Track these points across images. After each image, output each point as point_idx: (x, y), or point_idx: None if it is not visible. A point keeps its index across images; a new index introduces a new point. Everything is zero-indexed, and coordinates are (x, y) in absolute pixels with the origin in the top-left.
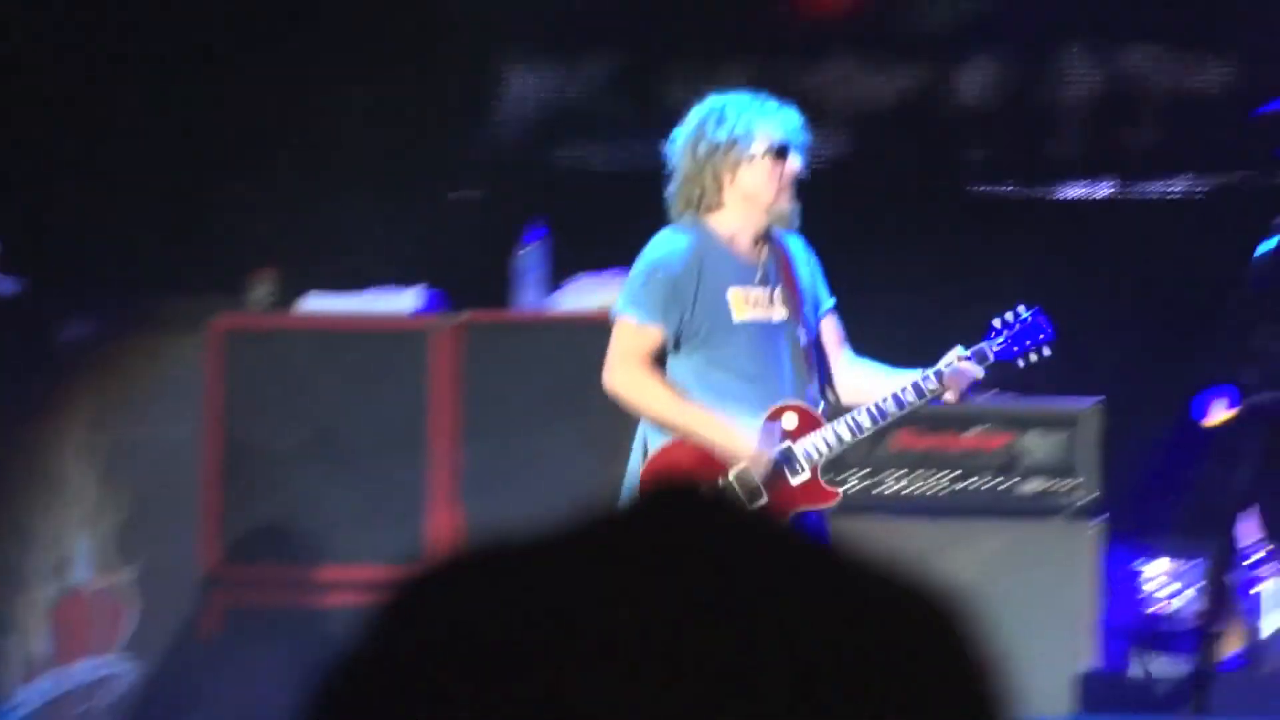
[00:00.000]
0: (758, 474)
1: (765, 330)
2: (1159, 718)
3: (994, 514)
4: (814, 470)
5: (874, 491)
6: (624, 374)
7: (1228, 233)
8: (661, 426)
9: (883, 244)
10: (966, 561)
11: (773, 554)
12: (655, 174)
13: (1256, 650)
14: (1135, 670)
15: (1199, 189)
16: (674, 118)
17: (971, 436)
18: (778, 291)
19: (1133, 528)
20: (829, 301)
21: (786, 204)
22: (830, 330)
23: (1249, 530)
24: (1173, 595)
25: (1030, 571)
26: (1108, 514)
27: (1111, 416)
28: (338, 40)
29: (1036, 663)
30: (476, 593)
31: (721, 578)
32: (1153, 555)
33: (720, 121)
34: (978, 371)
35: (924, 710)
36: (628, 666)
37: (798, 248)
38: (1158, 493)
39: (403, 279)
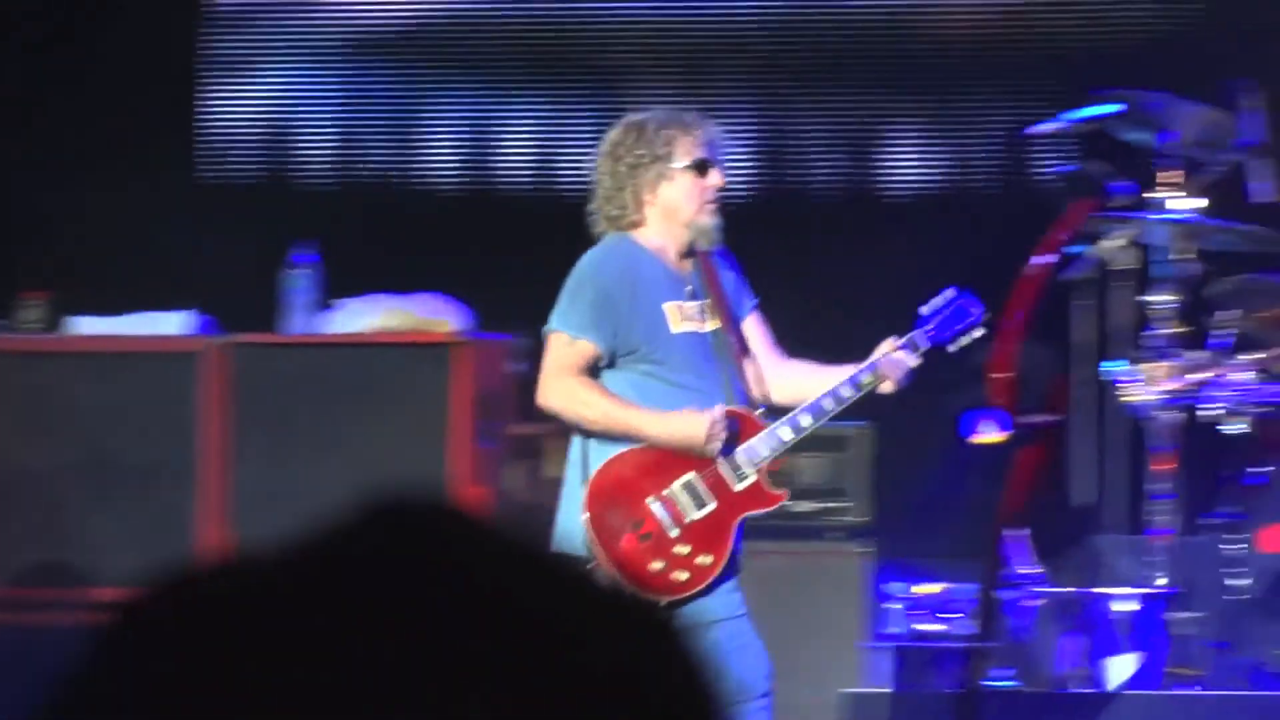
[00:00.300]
0: (703, 482)
1: (700, 341)
2: None
3: (765, 535)
4: (758, 474)
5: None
6: (559, 387)
7: (991, 250)
8: (605, 434)
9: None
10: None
11: (500, 570)
12: (428, 195)
13: (1025, 669)
14: (903, 689)
15: (968, 209)
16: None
17: None
18: (707, 303)
19: (902, 549)
20: (749, 303)
21: (708, 219)
22: (755, 333)
23: (1018, 550)
24: (941, 615)
25: (801, 592)
26: (877, 535)
27: (881, 438)
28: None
29: (805, 682)
30: (185, 619)
31: (439, 596)
32: (922, 576)
33: (639, 138)
34: (911, 361)
35: None
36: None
37: (719, 257)
38: (927, 514)
39: (172, 303)
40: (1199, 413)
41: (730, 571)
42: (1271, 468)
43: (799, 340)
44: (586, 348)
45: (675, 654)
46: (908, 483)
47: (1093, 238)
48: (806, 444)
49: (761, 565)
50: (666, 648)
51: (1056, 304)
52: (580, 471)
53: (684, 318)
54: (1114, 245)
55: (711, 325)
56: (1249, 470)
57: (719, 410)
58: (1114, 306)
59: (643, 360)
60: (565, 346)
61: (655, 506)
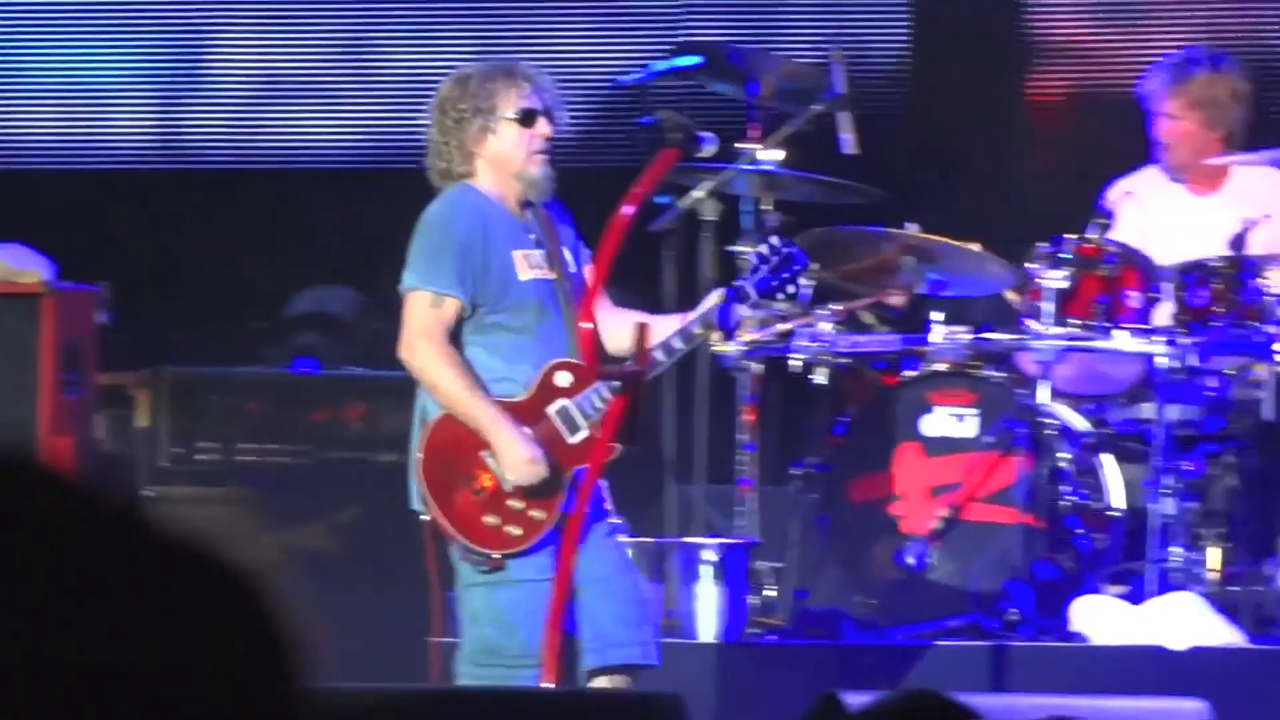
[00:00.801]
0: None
1: (546, 289)
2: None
3: (350, 483)
4: (591, 427)
5: (231, 461)
6: (424, 353)
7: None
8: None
9: None
10: (322, 532)
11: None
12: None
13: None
14: None
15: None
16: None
17: (327, 407)
18: (547, 252)
19: None
20: (585, 253)
21: (536, 170)
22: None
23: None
24: None
25: (386, 542)
26: None
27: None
28: None
29: (390, 630)
30: None
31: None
32: None
33: (464, 92)
34: (740, 310)
35: (218, 683)
36: None
37: (552, 205)
38: None
39: None
40: (787, 363)
41: (585, 531)
42: (850, 418)
43: None
44: (452, 305)
45: (232, 614)
46: None
47: (680, 189)
48: (390, 392)
49: (346, 515)
50: (223, 606)
51: (646, 255)
52: (419, 426)
53: (530, 265)
54: (700, 196)
55: (553, 273)
56: (834, 420)
57: (535, 470)
58: (701, 257)
59: (494, 310)
60: (430, 307)
61: (490, 461)
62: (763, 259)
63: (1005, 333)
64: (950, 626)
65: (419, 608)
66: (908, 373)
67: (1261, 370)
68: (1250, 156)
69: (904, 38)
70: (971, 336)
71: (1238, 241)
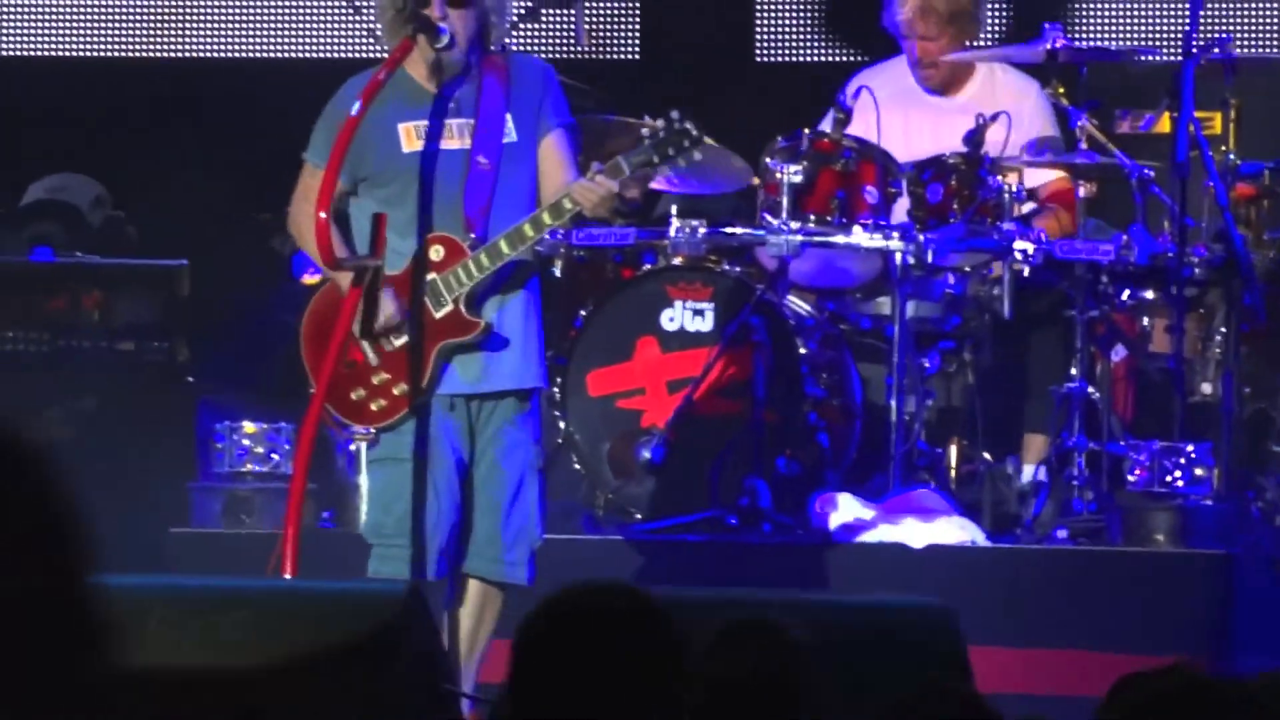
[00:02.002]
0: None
1: (437, 160)
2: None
3: (89, 371)
4: (455, 301)
5: None
6: (293, 214)
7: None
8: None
9: None
10: (62, 419)
11: None
12: None
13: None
14: (230, 529)
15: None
16: None
17: (64, 295)
18: (462, 121)
19: (225, 388)
20: (550, 123)
21: (454, 50)
22: (550, 152)
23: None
24: (264, 456)
25: (125, 430)
26: (199, 375)
27: (203, 275)
28: None
29: (130, 522)
30: None
31: None
32: (245, 416)
33: None
34: (611, 186)
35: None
36: None
37: (522, 73)
38: (249, 354)
39: None
40: None
41: (442, 415)
42: (588, 311)
43: None
44: (320, 175)
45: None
46: (231, 321)
47: None
48: (126, 280)
49: (85, 402)
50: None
51: None
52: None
53: (419, 136)
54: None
55: (461, 143)
56: (572, 314)
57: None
58: None
59: (375, 185)
60: (307, 175)
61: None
62: (651, 135)
63: (743, 227)
64: (691, 522)
65: (157, 499)
66: (646, 266)
67: (999, 268)
68: (989, 53)
69: None
70: (709, 231)
71: (974, 139)
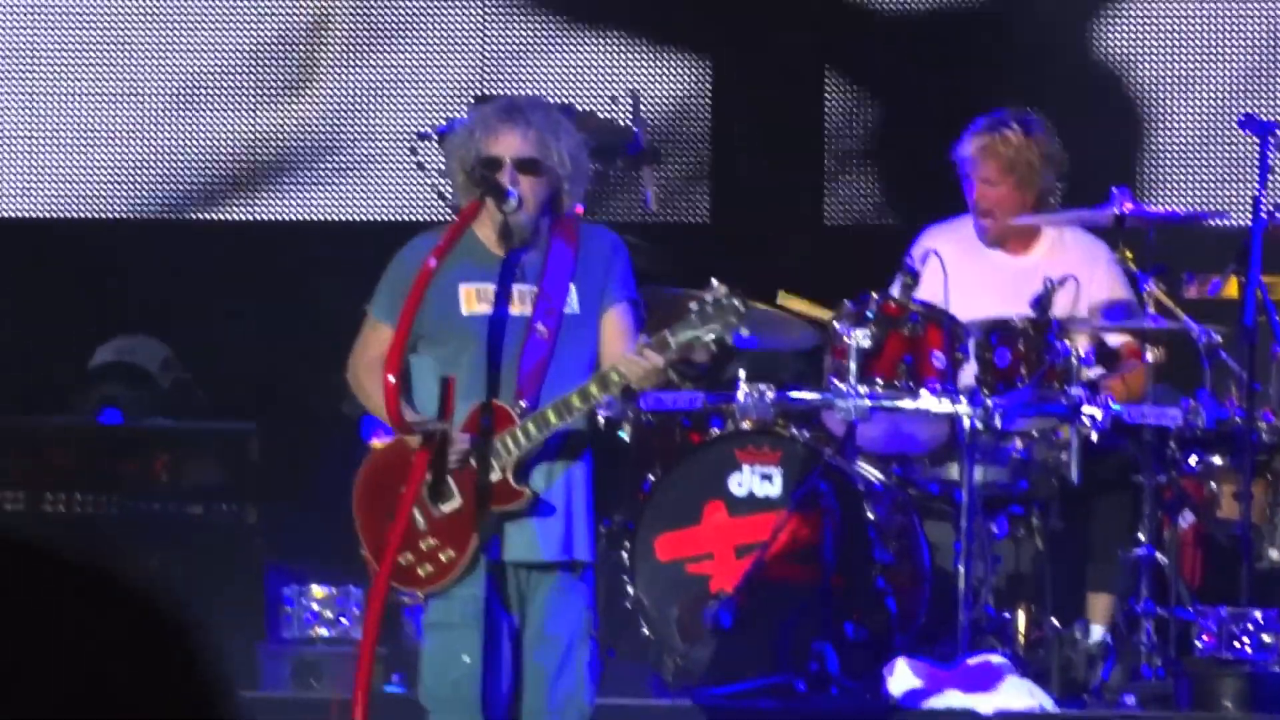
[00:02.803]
0: (453, 476)
1: (496, 325)
2: None
3: (156, 536)
4: (502, 470)
5: (37, 511)
6: (352, 365)
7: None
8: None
9: None
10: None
11: None
12: None
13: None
14: (297, 693)
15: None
16: None
17: (133, 458)
18: (526, 288)
19: (294, 552)
20: (614, 297)
21: (522, 215)
22: (612, 326)
23: None
24: (335, 619)
25: (193, 594)
26: (269, 538)
27: (271, 438)
28: None
29: None
30: None
31: None
32: (313, 579)
33: (469, 129)
34: (657, 361)
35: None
36: None
37: (591, 244)
38: (318, 517)
39: None
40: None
41: (492, 583)
42: (657, 475)
43: None
44: (385, 330)
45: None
46: (300, 484)
47: None
48: (195, 442)
49: (153, 565)
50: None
51: None
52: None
53: (480, 299)
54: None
55: (522, 309)
56: (640, 478)
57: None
58: None
59: (432, 343)
60: (368, 329)
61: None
62: (698, 308)
63: (811, 392)
64: (759, 687)
65: (225, 663)
66: (714, 431)
67: (1066, 432)
68: (1057, 216)
69: (706, 94)
70: (776, 395)
71: (1042, 302)
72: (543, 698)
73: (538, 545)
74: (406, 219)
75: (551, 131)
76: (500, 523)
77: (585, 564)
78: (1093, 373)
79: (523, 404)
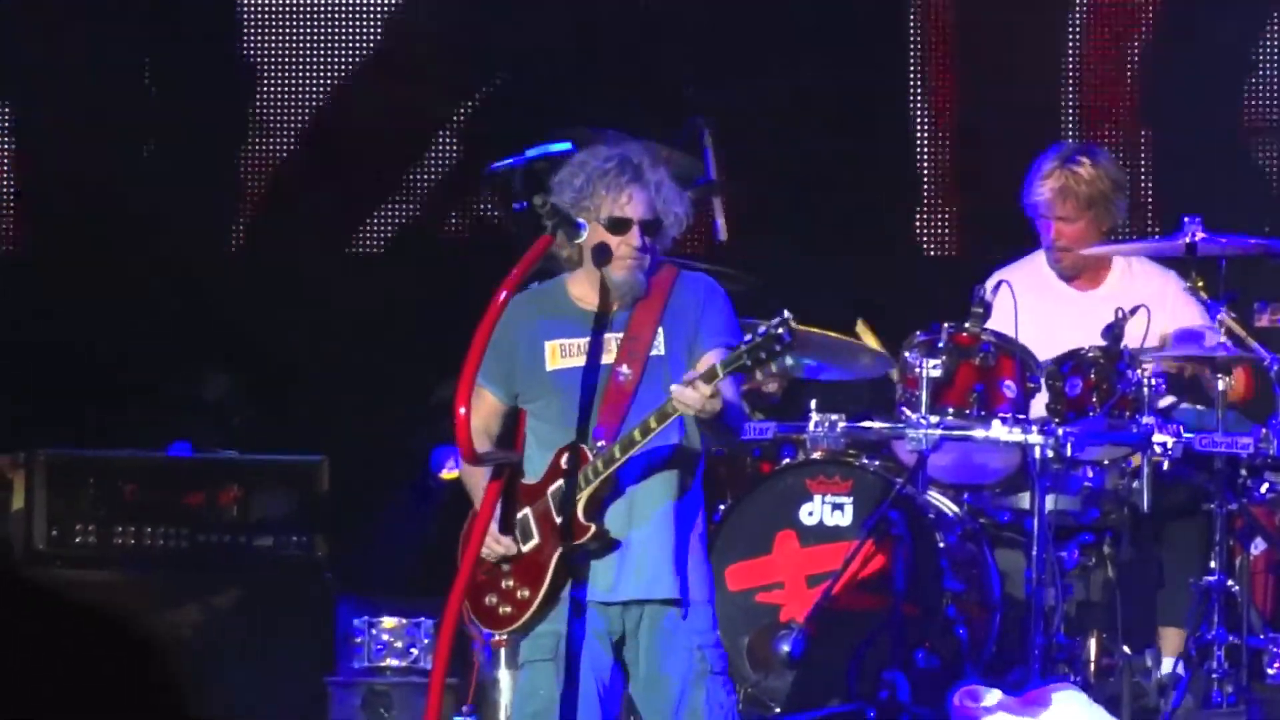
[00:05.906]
0: (533, 516)
1: (580, 376)
2: None
3: (226, 568)
4: (574, 506)
5: (108, 544)
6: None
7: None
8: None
9: None
10: (199, 615)
11: None
12: None
13: (484, 706)
14: None
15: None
16: None
17: (203, 491)
18: (613, 335)
19: (363, 583)
20: (706, 340)
21: (619, 275)
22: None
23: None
24: (403, 650)
25: (264, 626)
26: (338, 570)
27: (342, 471)
28: None
29: (269, 717)
30: None
31: None
32: (384, 610)
33: (589, 181)
34: (705, 390)
35: None
36: None
37: (685, 290)
38: (388, 549)
39: None
40: None
41: (577, 621)
42: (728, 505)
43: None
44: (487, 396)
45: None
46: (370, 515)
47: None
48: (264, 475)
49: (223, 598)
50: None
51: None
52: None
53: (563, 354)
54: None
55: (607, 358)
56: (712, 508)
57: (496, 542)
58: None
59: (525, 400)
60: (476, 396)
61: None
62: (749, 338)
63: (882, 421)
64: (830, 715)
65: (296, 694)
66: (785, 460)
67: (1137, 461)
68: (1128, 246)
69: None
70: (847, 425)
71: (1113, 331)
72: None
73: (621, 584)
74: (470, 248)
75: (666, 189)
76: (586, 560)
77: (692, 602)
78: (1163, 402)
79: (600, 444)
